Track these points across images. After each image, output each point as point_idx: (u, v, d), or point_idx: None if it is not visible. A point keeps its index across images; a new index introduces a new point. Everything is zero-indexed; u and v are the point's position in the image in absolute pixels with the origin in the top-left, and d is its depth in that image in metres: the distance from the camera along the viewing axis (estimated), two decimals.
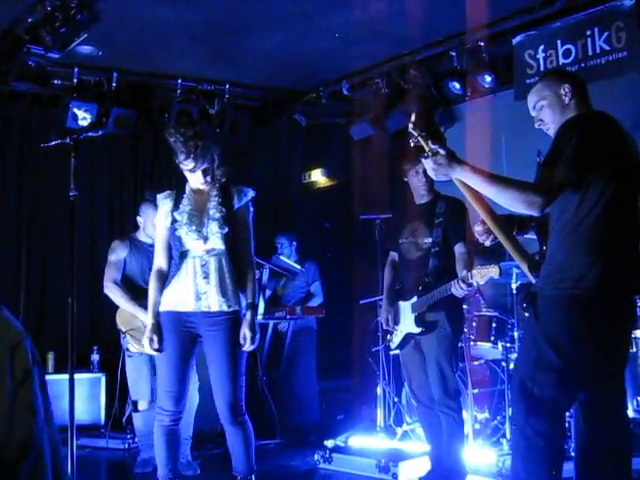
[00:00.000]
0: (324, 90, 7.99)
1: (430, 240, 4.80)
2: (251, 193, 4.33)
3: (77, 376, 6.65)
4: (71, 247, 3.92)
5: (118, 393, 5.73)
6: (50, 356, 7.09)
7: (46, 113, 7.65)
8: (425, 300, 4.72)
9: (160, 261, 4.30)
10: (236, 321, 4.13)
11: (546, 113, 3.32)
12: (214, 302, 4.11)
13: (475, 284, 4.50)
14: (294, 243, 7.51)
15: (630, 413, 5.17)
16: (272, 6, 6.13)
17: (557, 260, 3.12)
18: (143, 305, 5.47)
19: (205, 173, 4.18)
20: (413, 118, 3.23)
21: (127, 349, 5.57)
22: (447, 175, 3.14)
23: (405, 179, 4.97)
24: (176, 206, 4.23)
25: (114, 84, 7.38)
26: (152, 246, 5.67)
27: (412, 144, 3.22)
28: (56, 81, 7.28)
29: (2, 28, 6.24)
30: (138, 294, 5.60)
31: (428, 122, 3.24)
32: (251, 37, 6.71)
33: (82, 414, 6.83)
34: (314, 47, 6.95)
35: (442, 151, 3.10)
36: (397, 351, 5.03)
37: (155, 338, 4.13)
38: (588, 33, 5.98)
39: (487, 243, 3.59)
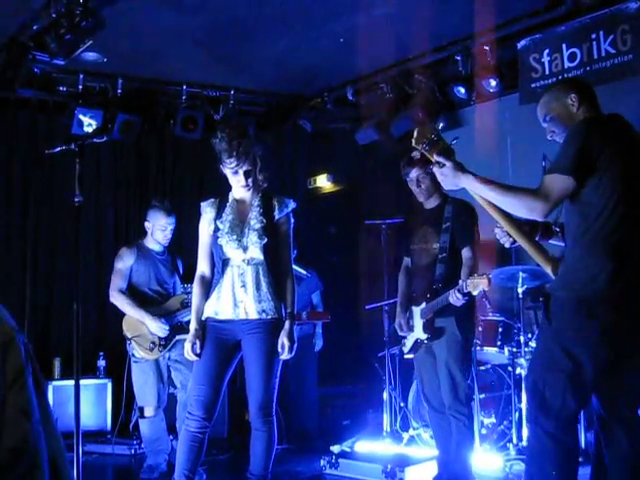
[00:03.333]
0: (329, 95, 7.99)
1: (438, 246, 4.78)
2: (292, 204, 4.35)
3: (83, 382, 6.65)
4: (75, 252, 3.91)
5: (124, 399, 5.73)
6: (56, 362, 7.11)
7: (52, 120, 7.67)
8: (431, 307, 4.73)
9: (202, 267, 4.36)
10: (275, 328, 4.16)
11: (556, 124, 3.35)
12: (252, 310, 4.15)
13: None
14: (295, 251, 7.47)
15: None
16: (277, 12, 6.13)
17: (569, 262, 3.14)
18: (150, 312, 5.49)
19: (247, 175, 4.18)
20: (415, 134, 3.29)
21: (133, 355, 5.57)
22: (456, 185, 3.24)
23: None
24: (219, 214, 4.27)
25: (119, 90, 7.42)
26: (159, 253, 5.73)
27: (417, 156, 3.31)
28: (61, 88, 7.31)
29: (7, 35, 6.26)
30: (145, 301, 5.61)
31: (431, 135, 3.28)
32: (256, 43, 6.72)
33: (88, 420, 6.84)
34: (319, 52, 6.95)
35: (447, 163, 3.19)
36: (410, 355, 5.02)
37: (198, 343, 4.17)
38: (593, 36, 5.96)
39: (507, 245, 3.63)
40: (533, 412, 3.16)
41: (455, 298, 4.49)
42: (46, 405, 1.79)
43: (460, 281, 4.49)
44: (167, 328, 5.49)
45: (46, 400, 1.81)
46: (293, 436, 6.81)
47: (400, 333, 4.98)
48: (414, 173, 4.78)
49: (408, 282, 5.08)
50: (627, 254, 3.05)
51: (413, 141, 3.29)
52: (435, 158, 3.21)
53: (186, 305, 5.51)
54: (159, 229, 5.69)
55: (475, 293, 4.44)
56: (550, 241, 3.58)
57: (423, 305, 4.79)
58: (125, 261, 5.68)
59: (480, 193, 3.20)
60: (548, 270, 3.38)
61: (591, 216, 3.06)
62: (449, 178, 3.21)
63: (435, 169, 3.25)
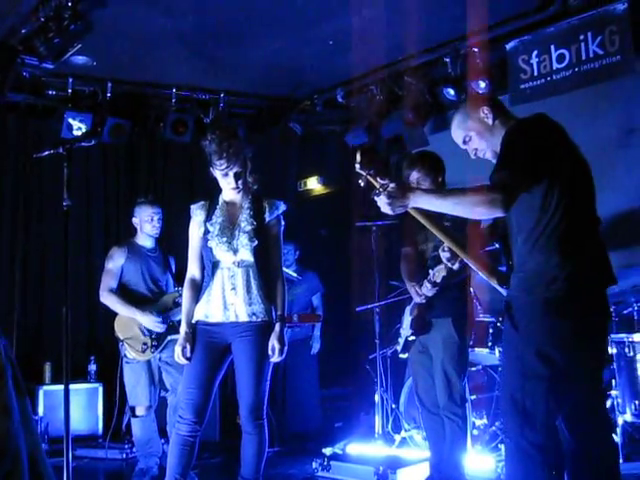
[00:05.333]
0: (319, 98, 8.00)
1: (432, 245, 4.80)
2: (282, 206, 4.34)
3: (74, 386, 6.71)
4: (65, 257, 3.91)
5: (117, 402, 5.72)
6: (47, 367, 7.10)
7: (41, 124, 7.65)
8: (413, 303, 4.80)
9: (192, 270, 4.35)
10: (265, 331, 4.15)
11: (477, 141, 3.33)
12: (242, 313, 4.14)
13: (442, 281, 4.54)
14: (297, 252, 7.52)
15: (628, 417, 5.17)
16: (266, 14, 6.13)
17: (528, 267, 3.11)
18: (142, 309, 5.48)
19: (237, 177, 4.18)
20: (358, 158, 3.24)
21: (125, 355, 5.56)
22: (404, 206, 3.12)
23: None
24: (209, 217, 4.27)
25: (109, 94, 7.40)
26: (151, 250, 5.73)
27: (362, 184, 3.23)
28: (51, 91, 7.29)
29: None
30: (138, 300, 5.59)
31: (374, 158, 3.24)
32: (245, 46, 6.72)
33: (80, 424, 6.86)
34: (308, 55, 6.96)
35: (392, 184, 3.09)
36: (404, 355, 5.03)
37: (188, 347, 4.16)
38: (581, 37, 5.99)
39: (455, 267, 3.74)
40: (518, 425, 3.04)
41: (426, 288, 4.56)
42: (25, 405, 1.78)
43: (430, 271, 4.52)
44: (160, 320, 5.48)
45: (26, 400, 1.80)
46: (293, 439, 6.84)
47: (420, 300, 4.76)
48: (414, 176, 4.78)
49: (410, 263, 5.01)
50: (583, 249, 3.06)
51: (357, 166, 3.23)
52: (379, 182, 3.10)
53: (178, 304, 5.49)
54: (146, 221, 5.69)
55: (438, 280, 4.47)
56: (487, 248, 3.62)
57: (412, 303, 4.84)
58: (115, 260, 5.67)
59: (431, 205, 3.10)
60: (494, 282, 3.40)
61: (545, 218, 3.05)
62: (397, 199, 3.07)
63: (381, 196, 3.08)
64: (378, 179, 3.13)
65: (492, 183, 3.01)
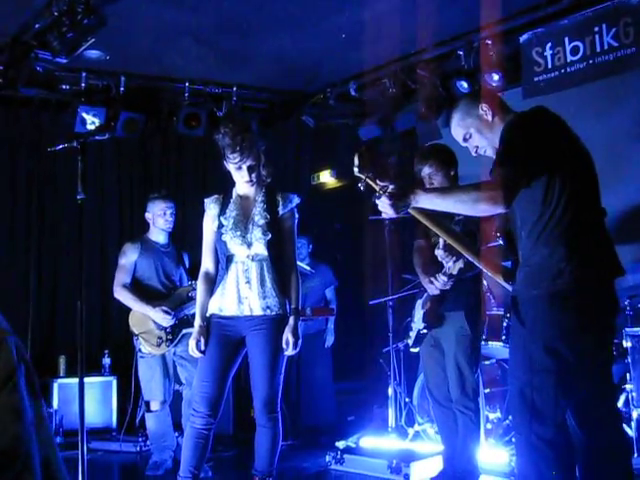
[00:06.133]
0: (331, 91, 7.97)
1: None
2: (296, 200, 4.34)
3: (88, 380, 6.73)
4: (79, 250, 3.93)
5: (132, 395, 5.74)
6: (62, 360, 7.14)
7: (55, 118, 7.68)
8: (427, 296, 4.77)
9: (206, 264, 4.35)
10: (279, 324, 4.16)
11: (477, 138, 3.30)
12: (256, 306, 4.15)
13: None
14: (310, 245, 7.53)
15: None
16: (279, 8, 6.13)
17: (533, 261, 3.08)
18: (154, 304, 5.51)
19: (251, 170, 4.18)
20: (356, 161, 3.20)
21: (140, 350, 5.58)
22: (406, 206, 3.10)
23: None
24: (223, 211, 4.27)
25: (122, 88, 7.41)
26: (164, 246, 5.75)
27: (362, 187, 3.21)
28: (64, 86, 7.30)
29: (10, 34, 6.28)
30: (152, 295, 5.61)
31: (372, 160, 3.19)
32: (258, 39, 6.72)
33: (94, 417, 6.89)
34: (321, 48, 6.95)
35: (391, 185, 3.07)
36: (416, 349, 5.01)
37: (202, 340, 4.16)
38: (596, 29, 5.94)
39: (451, 263, 3.82)
40: (527, 421, 3.01)
41: (442, 281, 4.49)
42: (40, 407, 1.76)
43: (445, 263, 4.49)
44: (170, 317, 5.50)
45: (40, 402, 1.78)
46: (306, 432, 6.87)
47: (435, 292, 4.70)
48: (426, 170, 4.76)
49: (423, 256, 4.96)
50: (587, 242, 3.03)
51: (356, 169, 3.19)
52: (379, 184, 3.09)
53: (192, 297, 5.50)
54: (159, 215, 5.71)
55: (455, 272, 4.41)
56: (490, 245, 3.61)
57: (424, 296, 4.82)
58: (128, 256, 5.70)
59: (432, 204, 3.08)
60: (500, 279, 3.39)
61: (548, 212, 3.03)
62: (399, 200, 3.05)
63: (382, 198, 3.05)
64: (377, 181, 3.11)
65: (492, 179, 3.00)
